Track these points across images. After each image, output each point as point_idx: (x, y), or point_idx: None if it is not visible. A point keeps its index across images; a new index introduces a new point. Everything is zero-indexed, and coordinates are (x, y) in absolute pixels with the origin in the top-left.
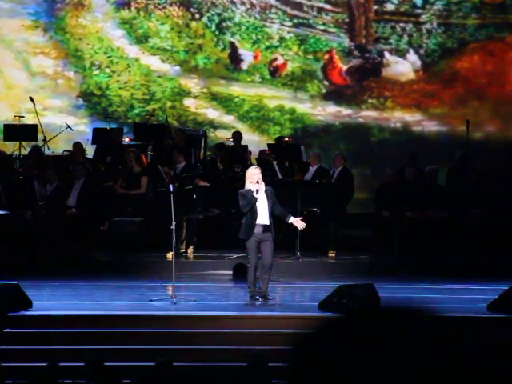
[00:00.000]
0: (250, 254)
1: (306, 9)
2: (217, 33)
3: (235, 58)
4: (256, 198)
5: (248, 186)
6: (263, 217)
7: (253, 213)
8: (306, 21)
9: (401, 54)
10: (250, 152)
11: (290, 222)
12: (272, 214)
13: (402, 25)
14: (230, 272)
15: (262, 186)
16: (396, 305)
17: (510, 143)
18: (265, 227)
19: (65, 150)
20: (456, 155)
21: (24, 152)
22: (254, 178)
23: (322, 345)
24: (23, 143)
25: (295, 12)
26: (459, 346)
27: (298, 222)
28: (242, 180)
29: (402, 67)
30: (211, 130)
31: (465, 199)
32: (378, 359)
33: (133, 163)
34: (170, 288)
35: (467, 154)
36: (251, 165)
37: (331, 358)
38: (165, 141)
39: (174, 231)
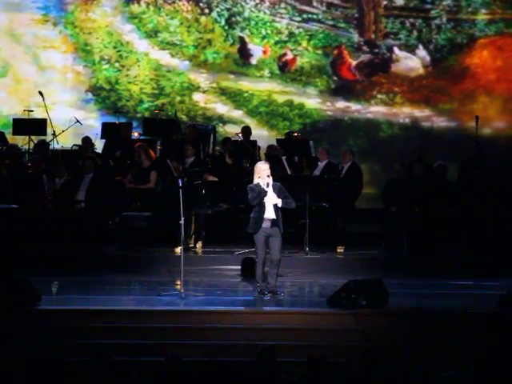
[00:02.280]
0: (258, 249)
1: (315, 4)
2: (226, 27)
3: (244, 52)
4: (266, 192)
5: (256, 180)
6: (271, 211)
7: (261, 207)
8: (315, 16)
9: (410, 49)
10: (259, 147)
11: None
12: (280, 209)
13: (411, 20)
14: (239, 267)
15: (270, 181)
16: None
17: None
18: (272, 222)
19: (74, 145)
20: (471, 151)
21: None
22: (263, 174)
23: None
24: (32, 137)
25: (304, 7)
26: None
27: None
28: (250, 175)
29: (412, 63)
30: (220, 124)
31: (474, 195)
32: None
33: (142, 158)
34: (179, 282)
35: (481, 151)
36: (259, 160)
37: None
38: (174, 135)
39: (182, 226)
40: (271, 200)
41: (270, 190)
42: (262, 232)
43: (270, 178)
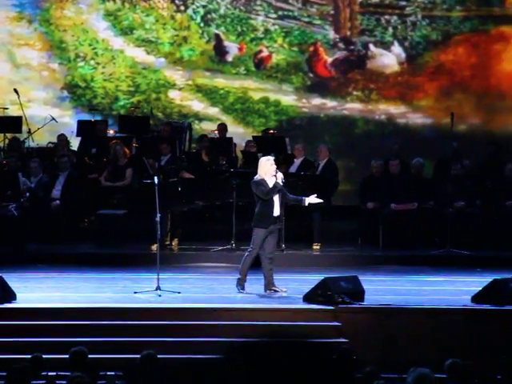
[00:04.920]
0: (255, 244)
1: (290, 1)
2: (202, 25)
3: (220, 50)
4: (281, 185)
5: (263, 176)
6: (277, 208)
7: (271, 202)
8: (290, 13)
9: (385, 46)
10: (235, 144)
11: (307, 203)
12: (284, 205)
13: (386, 17)
14: (215, 264)
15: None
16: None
17: (494, 136)
18: (277, 218)
19: (49, 142)
20: (447, 147)
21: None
22: (271, 169)
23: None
24: (7, 135)
25: (280, 4)
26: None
27: (315, 199)
28: (226, 172)
29: (387, 59)
30: (196, 122)
31: (450, 191)
32: None
33: (120, 155)
34: (155, 280)
35: (457, 147)
36: (235, 157)
37: None
38: (149, 132)
39: (158, 223)
40: (309, 201)
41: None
42: (268, 228)
43: (280, 173)
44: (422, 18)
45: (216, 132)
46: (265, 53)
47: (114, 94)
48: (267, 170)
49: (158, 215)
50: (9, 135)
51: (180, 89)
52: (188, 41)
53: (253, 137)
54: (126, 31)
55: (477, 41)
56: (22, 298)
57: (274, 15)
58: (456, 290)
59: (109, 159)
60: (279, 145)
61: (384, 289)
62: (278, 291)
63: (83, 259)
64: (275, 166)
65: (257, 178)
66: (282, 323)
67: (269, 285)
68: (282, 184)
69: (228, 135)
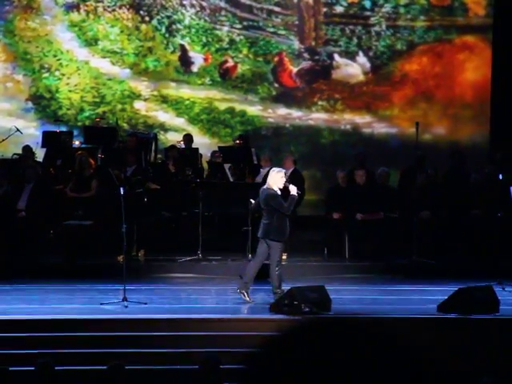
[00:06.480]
0: (278, 255)
1: (255, 11)
2: (167, 35)
3: (185, 60)
4: (297, 197)
5: (273, 187)
6: None
7: (285, 214)
8: (255, 23)
9: (350, 56)
10: (201, 155)
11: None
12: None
13: (351, 27)
14: (182, 274)
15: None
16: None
17: (459, 145)
18: None
19: (14, 154)
20: (412, 157)
21: None
22: (280, 183)
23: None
24: None
25: (245, 14)
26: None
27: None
28: (192, 182)
29: (352, 69)
30: (162, 132)
31: (415, 201)
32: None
33: (86, 166)
34: (122, 291)
35: (422, 157)
36: (201, 168)
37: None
38: (115, 143)
39: (124, 234)
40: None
41: None
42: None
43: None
44: (387, 28)
45: (181, 143)
46: (230, 63)
47: (79, 105)
48: (277, 182)
49: (124, 226)
50: None
51: (145, 99)
52: (153, 51)
53: (218, 147)
54: (90, 42)
55: (441, 50)
56: None
57: (239, 26)
58: (422, 299)
59: (74, 170)
60: (245, 155)
61: (350, 298)
62: (245, 298)
63: (49, 270)
64: (284, 179)
65: (268, 189)
66: (249, 333)
67: (244, 287)
68: (297, 196)
69: (194, 146)
